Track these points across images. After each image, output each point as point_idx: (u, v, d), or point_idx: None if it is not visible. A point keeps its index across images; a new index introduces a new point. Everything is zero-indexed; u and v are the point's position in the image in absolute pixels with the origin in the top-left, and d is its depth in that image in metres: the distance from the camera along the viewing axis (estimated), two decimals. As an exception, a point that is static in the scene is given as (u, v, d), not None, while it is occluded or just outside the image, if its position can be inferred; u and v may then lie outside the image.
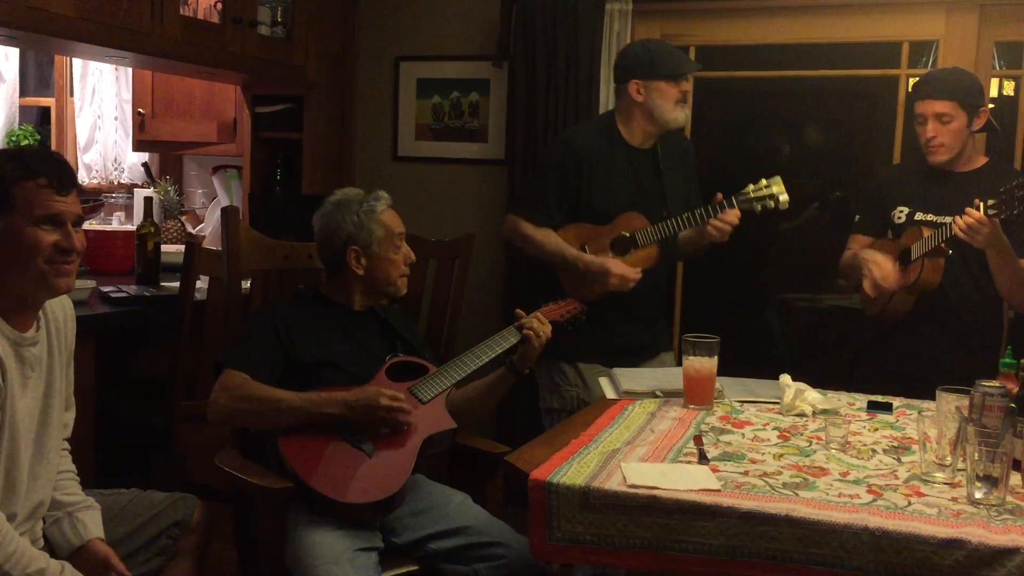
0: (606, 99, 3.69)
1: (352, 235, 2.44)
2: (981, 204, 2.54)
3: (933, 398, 2.29)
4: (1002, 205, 2.50)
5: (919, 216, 2.84)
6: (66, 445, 2.11)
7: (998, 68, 3.52)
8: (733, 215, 2.86)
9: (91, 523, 2.00)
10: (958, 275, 2.77)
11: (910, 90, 2.86)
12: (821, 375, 2.71)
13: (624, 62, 2.98)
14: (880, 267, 2.79)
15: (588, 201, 2.94)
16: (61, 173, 1.87)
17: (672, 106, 2.90)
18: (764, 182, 2.88)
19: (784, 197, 2.85)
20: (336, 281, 2.49)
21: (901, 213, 2.88)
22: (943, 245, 2.69)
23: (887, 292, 2.79)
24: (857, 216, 3.07)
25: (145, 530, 2.12)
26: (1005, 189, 2.50)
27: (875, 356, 2.99)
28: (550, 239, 2.94)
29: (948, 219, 2.68)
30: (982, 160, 2.85)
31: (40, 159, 1.87)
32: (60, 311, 2.01)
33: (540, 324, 2.46)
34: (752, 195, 2.87)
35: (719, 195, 2.89)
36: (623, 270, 2.86)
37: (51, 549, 1.95)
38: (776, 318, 4.92)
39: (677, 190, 3.03)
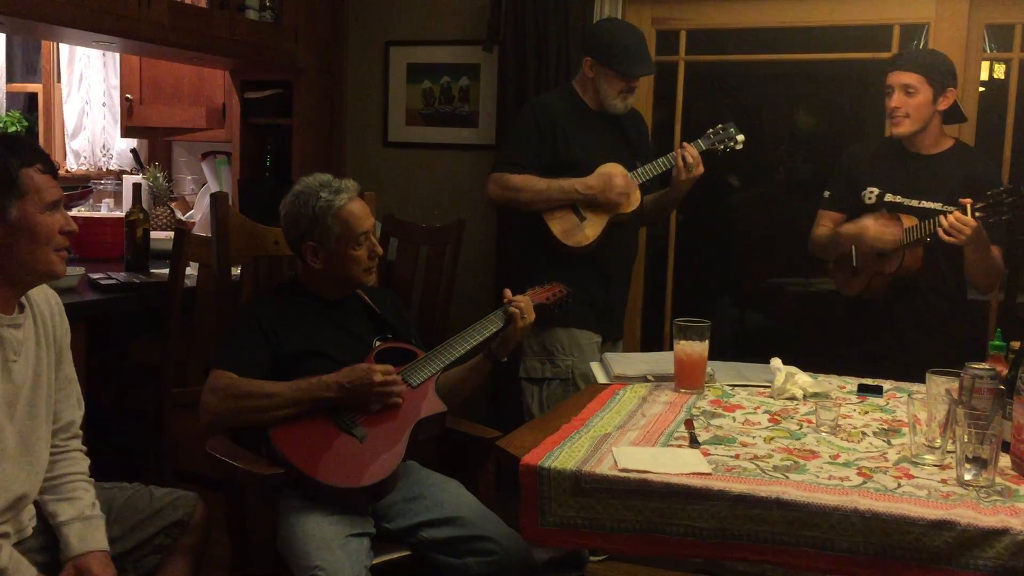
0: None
1: (307, 230, 2.38)
2: (968, 205, 2.62)
3: (904, 376, 2.44)
4: (990, 209, 2.61)
5: (888, 198, 2.91)
6: (82, 447, 2.09)
7: (988, 51, 3.52)
8: (694, 150, 3.04)
9: (90, 536, 1.95)
10: (928, 262, 2.84)
11: (890, 63, 2.93)
12: (812, 358, 2.72)
13: (589, 36, 3.17)
14: (873, 228, 2.86)
15: (567, 155, 3.06)
16: (48, 158, 1.90)
17: (615, 94, 3.08)
18: (720, 125, 3.10)
19: (740, 137, 3.08)
20: (306, 271, 2.47)
21: (871, 194, 2.95)
22: (927, 239, 2.76)
23: (887, 252, 2.85)
24: (827, 192, 3.14)
25: (144, 527, 2.08)
26: (992, 193, 2.61)
27: (850, 336, 3.08)
28: (537, 179, 3.05)
29: (915, 202, 2.84)
30: (948, 142, 2.92)
31: (28, 145, 1.89)
32: (45, 304, 1.99)
33: (526, 305, 2.46)
34: (712, 136, 3.08)
35: (683, 143, 3.09)
36: (621, 170, 3.02)
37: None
38: (767, 302, 4.93)
39: (638, 148, 3.22)
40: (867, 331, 3.00)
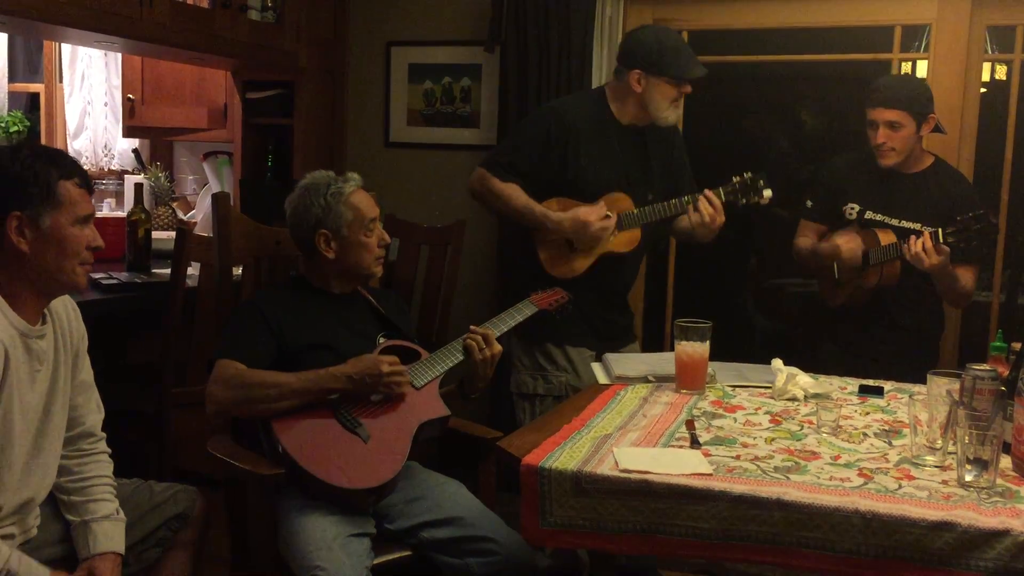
0: (598, 84, 3.67)
1: (320, 219, 2.40)
2: (940, 231, 2.71)
3: (881, 374, 2.51)
4: (959, 235, 2.70)
5: (869, 215, 2.98)
6: (107, 449, 2.11)
7: (990, 52, 3.52)
8: (717, 204, 2.80)
9: (114, 537, 1.98)
10: (905, 272, 2.91)
11: (868, 95, 2.95)
12: (813, 359, 2.73)
13: (632, 48, 2.89)
14: (844, 248, 2.93)
15: (574, 175, 2.89)
16: (86, 174, 1.94)
17: (667, 104, 2.87)
18: (748, 174, 2.84)
19: (767, 192, 2.82)
20: (312, 265, 2.47)
21: (852, 210, 3.01)
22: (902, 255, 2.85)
23: (872, 267, 2.92)
24: (809, 202, 3.18)
25: (145, 522, 2.11)
26: (962, 219, 2.69)
27: (834, 337, 3.12)
28: (518, 194, 2.88)
29: (895, 221, 2.90)
30: (928, 161, 2.99)
31: (68, 159, 1.93)
32: (63, 310, 2.01)
33: (487, 342, 2.40)
34: (736, 186, 2.83)
35: (706, 191, 2.83)
36: (599, 213, 2.80)
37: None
38: (768, 302, 4.93)
39: (662, 174, 3.01)
40: (845, 330, 3.07)
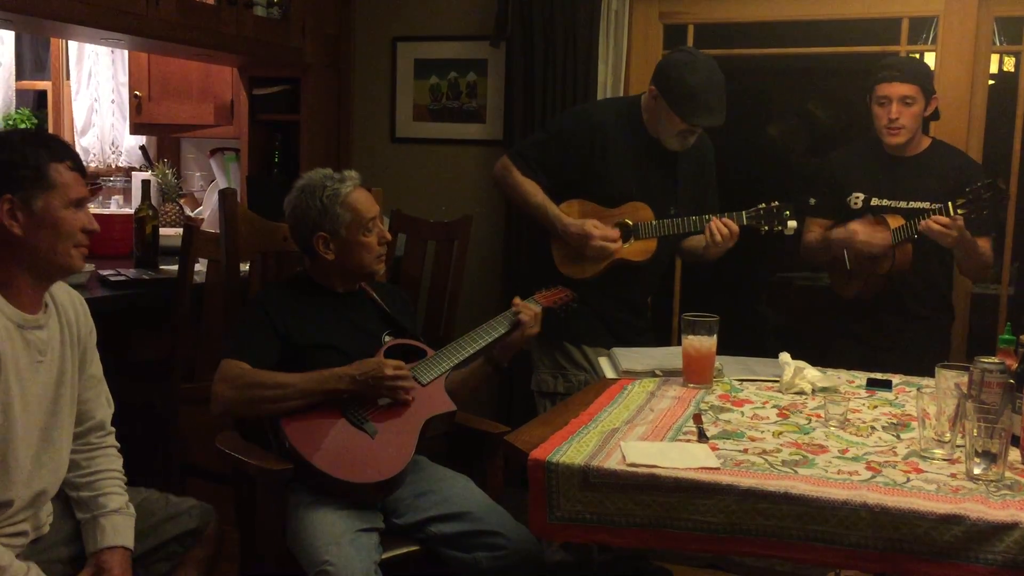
0: (604, 79, 3.67)
1: (317, 221, 2.38)
2: (950, 204, 2.70)
3: (889, 362, 2.51)
4: (971, 205, 2.68)
5: (875, 202, 2.96)
6: (116, 444, 2.11)
7: (998, 44, 3.50)
8: (734, 226, 2.79)
9: (123, 531, 1.97)
10: (917, 257, 2.91)
11: (878, 72, 2.94)
12: (825, 353, 2.72)
13: (660, 66, 2.86)
14: (861, 233, 2.91)
15: (597, 177, 2.88)
16: (78, 157, 1.93)
17: (672, 133, 2.82)
18: (776, 203, 2.82)
19: (792, 223, 2.80)
20: (315, 265, 2.47)
21: (857, 199, 3.00)
22: (915, 237, 2.82)
23: (877, 255, 2.90)
24: (812, 200, 3.15)
25: (157, 532, 2.08)
26: (971, 189, 2.69)
27: (846, 329, 3.11)
28: (537, 192, 2.92)
29: (903, 204, 2.90)
30: (927, 142, 3.00)
31: (59, 142, 1.92)
32: (71, 305, 2.00)
33: (535, 317, 2.48)
34: (761, 212, 2.81)
35: (724, 216, 2.82)
36: (604, 232, 2.82)
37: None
38: (775, 296, 4.92)
39: (688, 189, 2.97)
40: (857, 321, 3.06)
